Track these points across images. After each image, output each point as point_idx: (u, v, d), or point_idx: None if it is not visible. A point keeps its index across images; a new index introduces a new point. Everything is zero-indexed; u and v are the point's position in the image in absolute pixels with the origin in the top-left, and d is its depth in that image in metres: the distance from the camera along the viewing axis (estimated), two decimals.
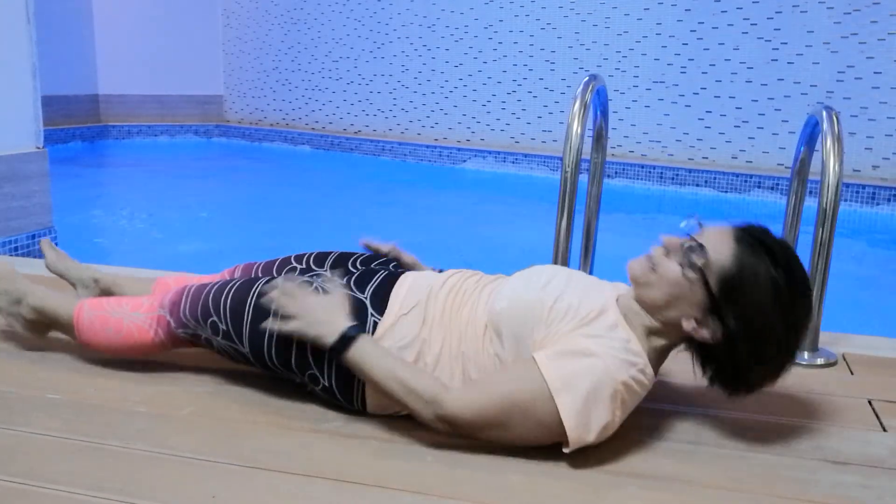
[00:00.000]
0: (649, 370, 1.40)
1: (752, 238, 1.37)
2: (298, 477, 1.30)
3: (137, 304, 1.70)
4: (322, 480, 1.30)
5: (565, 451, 1.35)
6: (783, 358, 1.39)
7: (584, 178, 2.18)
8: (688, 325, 1.39)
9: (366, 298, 1.56)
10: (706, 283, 1.36)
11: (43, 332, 1.82)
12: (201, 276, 1.96)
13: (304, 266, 1.80)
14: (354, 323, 1.47)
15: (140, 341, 1.67)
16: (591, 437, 1.34)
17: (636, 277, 1.44)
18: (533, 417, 1.34)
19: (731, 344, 1.37)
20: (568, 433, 1.32)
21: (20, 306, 1.78)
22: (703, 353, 1.45)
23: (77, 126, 9.12)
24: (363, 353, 1.42)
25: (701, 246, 1.37)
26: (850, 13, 6.44)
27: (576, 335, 1.38)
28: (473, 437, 1.39)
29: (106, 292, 2.03)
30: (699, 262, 1.36)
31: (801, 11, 6.65)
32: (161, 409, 1.54)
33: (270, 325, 1.50)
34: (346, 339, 1.43)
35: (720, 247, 1.36)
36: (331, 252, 1.82)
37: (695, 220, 1.43)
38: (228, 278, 1.74)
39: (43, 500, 1.22)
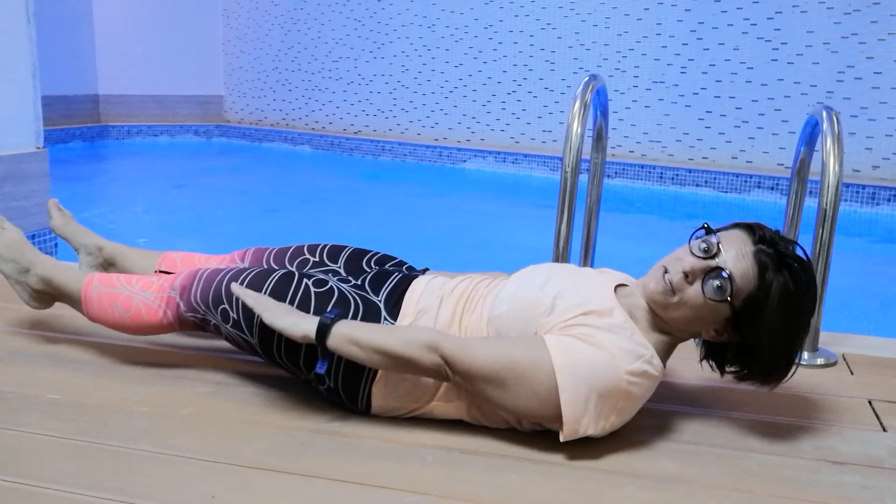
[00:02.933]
0: (657, 361, 1.40)
1: (772, 255, 1.37)
2: (298, 477, 1.30)
3: (148, 283, 1.69)
4: (322, 480, 1.29)
5: (561, 437, 1.35)
6: (794, 352, 1.42)
7: (584, 178, 2.18)
8: (707, 335, 1.43)
9: (380, 301, 1.56)
10: (732, 307, 1.37)
11: (48, 302, 1.82)
12: (208, 256, 1.94)
13: (317, 259, 1.78)
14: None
15: (147, 321, 1.67)
16: (586, 419, 1.33)
17: (657, 302, 1.42)
18: (531, 387, 1.33)
19: (747, 347, 1.41)
20: (563, 411, 1.32)
21: (28, 275, 1.78)
22: (715, 348, 1.48)
23: (77, 126, 9.11)
24: (349, 326, 1.40)
25: (726, 275, 1.35)
26: (850, 13, 6.44)
27: (582, 327, 1.38)
28: (474, 391, 1.39)
29: (110, 261, 2.01)
30: (727, 292, 1.35)
31: (801, 11, 6.65)
32: (161, 409, 1.54)
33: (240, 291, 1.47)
34: (332, 317, 1.40)
35: (743, 269, 1.36)
36: (345, 246, 1.80)
37: (713, 238, 1.39)
38: (242, 266, 1.71)
39: (43, 500, 1.22)
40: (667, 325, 1.45)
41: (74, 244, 2.03)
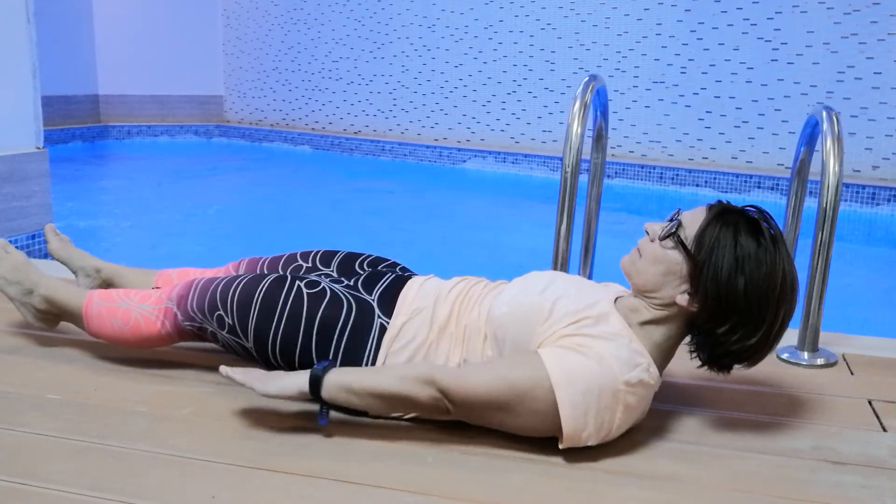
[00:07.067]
0: (654, 369, 1.40)
1: (723, 206, 1.44)
2: (298, 477, 1.30)
3: (145, 296, 1.71)
4: (322, 480, 1.30)
5: (560, 446, 1.36)
6: (763, 316, 1.37)
7: (584, 178, 2.19)
8: (682, 299, 1.40)
9: (373, 300, 1.57)
10: (682, 245, 1.40)
11: (53, 322, 1.84)
12: (203, 270, 1.96)
13: (309, 265, 1.81)
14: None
15: (147, 333, 1.68)
16: (586, 433, 1.34)
17: (627, 269, 1.49)
18: (531, 406, 1.34)
19: (717, 307, 1.37)
20: (563, 426, 1.32)
21: (31, 296, 1.80)
22: (700, 335, 1.45)
23: (77, 126, 9.12)
24: (340, 373, 1.41)
25: (675, 220, 1.44)
26: (850, 13, 6.44)
27: (578, 337, 1.38)
28: (474, 419, 1.41)
29: (108, 282, 2.04)
30: (673, 229, 1.42)
31: (801, 11, 6.65)
32: (161, 409, 1.55)
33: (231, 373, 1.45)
34: (322, 367, 1.41)
35: (693, 213, 1.45)
36: (337, 251, 1.83)
37: (676, 210, 1.49)
38: (235, 273, 1.74)
39: (43, 500, 1.22)
40: (652, 309, 1.43)
41: (72, 267, 2.06)
